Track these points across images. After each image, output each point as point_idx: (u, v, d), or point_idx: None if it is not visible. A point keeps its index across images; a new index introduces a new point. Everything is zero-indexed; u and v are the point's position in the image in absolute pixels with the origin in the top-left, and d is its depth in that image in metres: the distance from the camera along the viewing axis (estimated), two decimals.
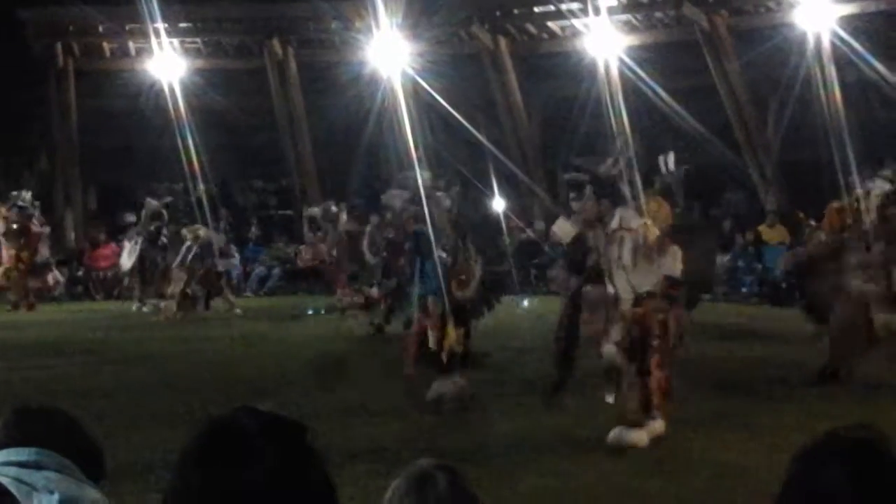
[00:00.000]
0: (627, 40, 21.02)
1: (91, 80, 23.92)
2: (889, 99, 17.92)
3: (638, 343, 7.89)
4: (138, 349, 13.44)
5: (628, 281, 7.93)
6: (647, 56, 19.93)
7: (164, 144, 20.85)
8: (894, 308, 9.67)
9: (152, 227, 18.48)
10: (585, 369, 8.79)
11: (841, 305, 9.93)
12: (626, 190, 8.14)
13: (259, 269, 21.91)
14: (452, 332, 9.71)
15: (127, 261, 18.99)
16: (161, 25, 21.88)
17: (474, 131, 21.10)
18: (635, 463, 7.33)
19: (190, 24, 23.79)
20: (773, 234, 19.23)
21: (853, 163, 11.92)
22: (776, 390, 9.62)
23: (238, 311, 17.46)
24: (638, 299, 7.92)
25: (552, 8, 22.51)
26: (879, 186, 10.09)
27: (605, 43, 19.92)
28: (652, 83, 19.14)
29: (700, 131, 19.45)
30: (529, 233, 21.15)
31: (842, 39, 17.03)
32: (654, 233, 7.96)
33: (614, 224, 8.02)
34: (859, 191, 10.40)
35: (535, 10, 23.02)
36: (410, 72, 20.15)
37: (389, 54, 19.23)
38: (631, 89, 19.07)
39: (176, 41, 23.23)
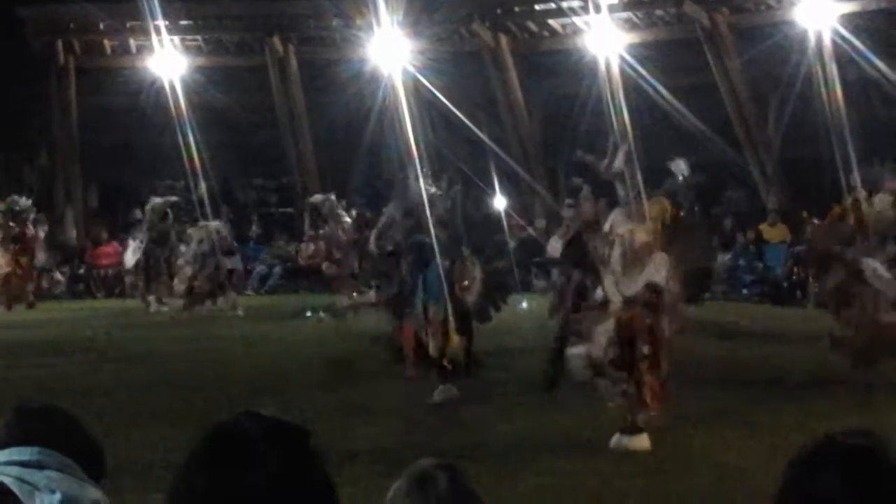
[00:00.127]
0: (628, 38, 20.99)
1: (91, 77, 23.90)
2: (890, 97, 17.92)
3: (626, 348, 7.87)
4: (139, 347, 13.45)
5: (615, 284, 7.94)
6: (647, 54, 19.90)
7: (164, 142, 20.82)
8: None
9: (158, 226, 18.47)
10: None
11: (856, 309, 9.76)
12: (625, 190, 8.14)
13: (260, 268, 21.91)
14: (455, 337, 9.70)
15: (131, 258, 18.97)
16: (162, 23, 21.81)
17: (475, 129, 21.09)
18: (635, 462, 7.34)
19: (191, 22, 23.78)
20: (774, 232, 19.21)
21: (854, 161, 11.89)
22: (776, 390, 9.62)
23: (240, 312, 17.36)
24: (627, 302, 7.92)
25: (553, 5, 22.52)
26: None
27: (605, 41, 19.84)
28: (653, 81, 19.11)
29: (701, 129, 19.43)
30: (530, 231, 21.14)
31: (843, 37, 17.00)
32: (642, 238, 7.96)
33: (606, 227, 8.05)
34: (860, 192, 10.37)
35: (536, 7, 23.04)
36: (411, 69, 20.10)
37: (390, 52, 19.17)
38: (632, 87, 18.97)
39: (177, 38, 23.20)
